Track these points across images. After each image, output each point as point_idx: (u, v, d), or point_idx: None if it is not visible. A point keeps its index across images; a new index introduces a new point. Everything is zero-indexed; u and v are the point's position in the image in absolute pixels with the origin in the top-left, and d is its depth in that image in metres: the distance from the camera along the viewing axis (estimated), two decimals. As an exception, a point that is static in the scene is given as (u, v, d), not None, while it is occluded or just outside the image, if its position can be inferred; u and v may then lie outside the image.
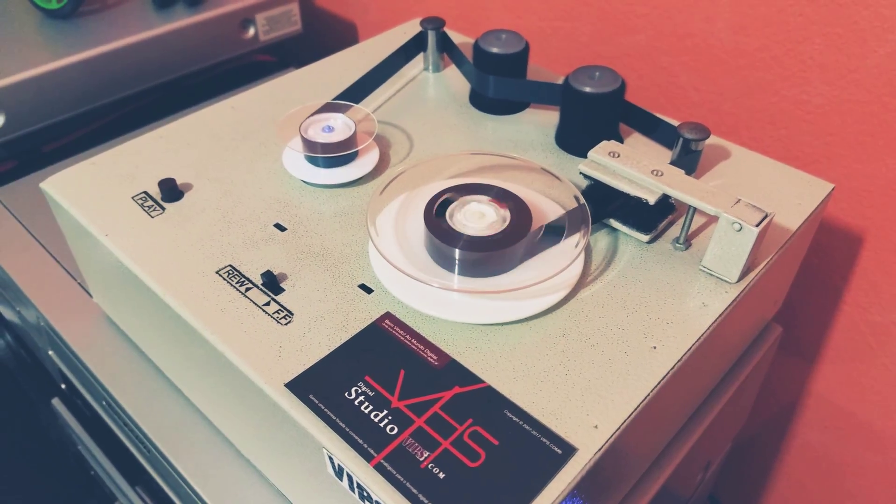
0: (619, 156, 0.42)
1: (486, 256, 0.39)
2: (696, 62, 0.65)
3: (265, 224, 0.44)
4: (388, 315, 0.38)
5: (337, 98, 0.52)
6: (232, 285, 0.40)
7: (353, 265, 0.42)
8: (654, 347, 0.37)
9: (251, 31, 0.85)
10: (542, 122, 0.54)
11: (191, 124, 0.54)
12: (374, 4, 0.92)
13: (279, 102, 0.56)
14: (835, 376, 0.71)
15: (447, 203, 0.41)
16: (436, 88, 0.58)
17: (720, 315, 0.39)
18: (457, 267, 0.39)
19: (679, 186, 0.40)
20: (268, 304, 0.39)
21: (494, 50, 0.53)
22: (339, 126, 0.48)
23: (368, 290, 0.40)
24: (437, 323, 0.38)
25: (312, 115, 0.49)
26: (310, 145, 0.47)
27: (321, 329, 0.38)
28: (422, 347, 0.36)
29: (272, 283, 0.40)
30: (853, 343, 0.67)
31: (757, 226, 0.38)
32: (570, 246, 0.41)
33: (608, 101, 0.48)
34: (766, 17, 0.58)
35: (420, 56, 0.60)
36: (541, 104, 0.56)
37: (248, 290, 0.40)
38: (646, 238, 0.43)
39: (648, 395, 0.35)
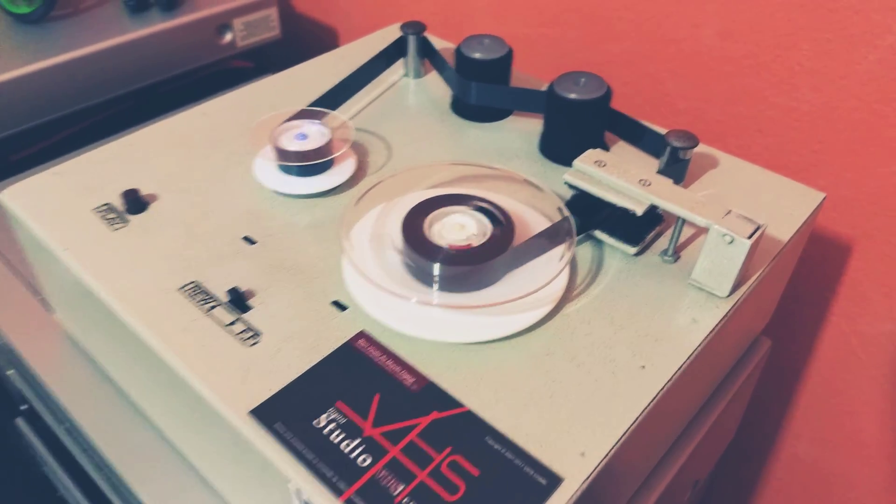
0: (605, 165, 0.41)
1: (467, 271, 0.37)
2: (682, 69, 0.63)
3: (233, 237, 0.42)
4: (362, 334, 0.36)
5: (312, 104, 0.50)
6: (195, 303, 0.38)
7: (327, 281, 0.39)
8: (643, 367, 0.35)
9: (228, 37, 0.82)
10: (525, 129, 0.53)
11: (159, 132, 0.51)
12: (356, 10, 0.90)
13: (253, 109, 0.54)
14: (823, 388, 0.70)
15: (426, 214, 0.39)
16: (416, 95, 0.56)
17: (711, 331, 0.37)
18: (436, 282, 0.37)
19: (667, 197, 0.39)
20: (233, 323, 0.37)
21: (476, 55, 0.51)
22: (313, 133, 0.46)
23: (342, 308, 0.38)
24: (414, 342, 0.36)
25: (285, 122, 0.47)
26: (282, 154, 0.44)
27: (290, 350, 0.35)
28: (398, 369, 0.34)
29: (238, 300, 0.38)
30: (842, 354, 0.66)
31: (749, 238, 0.36)
32: (555, 259, 0.39)
33: (593, 109, 0.46)
34: (754, 22, 0.57)
35: (400, 62, 0.59)
36: (524, 111, 0.54)
37: (212, 308, 0.38)
38: (633, 250, 0.41)
39: (637, 418, 0.33)
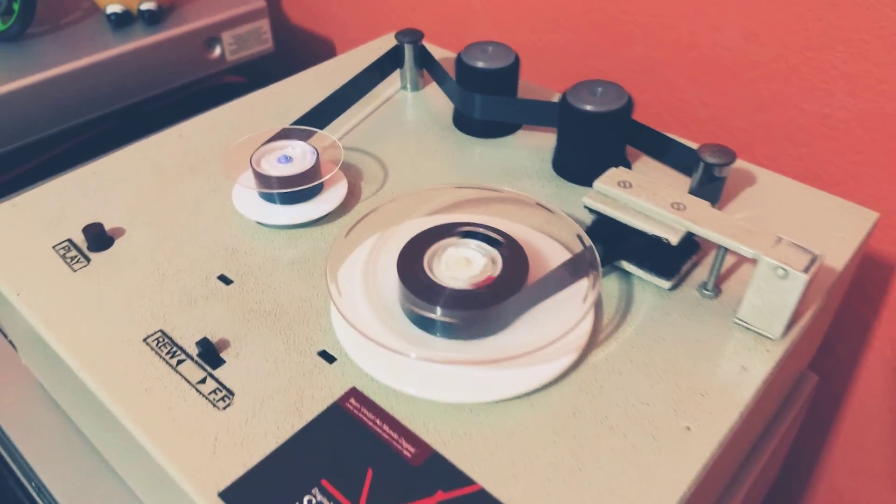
0: (630, 186, 0.35)
1: (475, 315, 0.31)
2: (703, 75, 0.58)
3: (207, 276, 0.37)
4: (353, 392, 0.31)
5: (297, 122, 0.45)
6: (161, 357, 0.33)
7: (313, 326, 0.34)
8: (688, 428, 0.29)
9: (217, 51, 0.78)
10: (536, 145, 0.47)
11: (130, 157, 0.46)
12: (352, 20, 0.86)
13: (234, 129, 0.49)
14: (865, 417, 0.64)
15: (426, 247, 0.34)
16: (414, 109, 0.51)
17: (764, 381, 0.32)
18: (438, 328, 0.32)
19: (707, 223, 0.33)
20: (203, 381, 0.32)
21: (480, 64, 0.46)
22: (298, 155, 0.41)
23: (330, 359, 0.33)
24: (415, 402, 0.30)
25: (266, 143, 0.41)
26: (263, 179, 0.39)
27: (268, 413, 0.30)
28: (395, 436, 0.29)
29: (209, 353, 0.32)
30: (885, 381, 0.61)
31: (805, 271, 0.31)
32: (577, 297, 0.33)
33: (613, 121, 0.41)
34: (782, 23, 0.52)
35: (396, 73, 0.54)
36: (535, 125, 0.49)
37: (180, 362, 0.32)
38: (667, 284, 0.35)
39: (686, 493, 0.27)
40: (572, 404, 0.30)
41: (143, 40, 0.71)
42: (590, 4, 0.62)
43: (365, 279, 0.35)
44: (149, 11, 0.73)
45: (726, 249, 0.33)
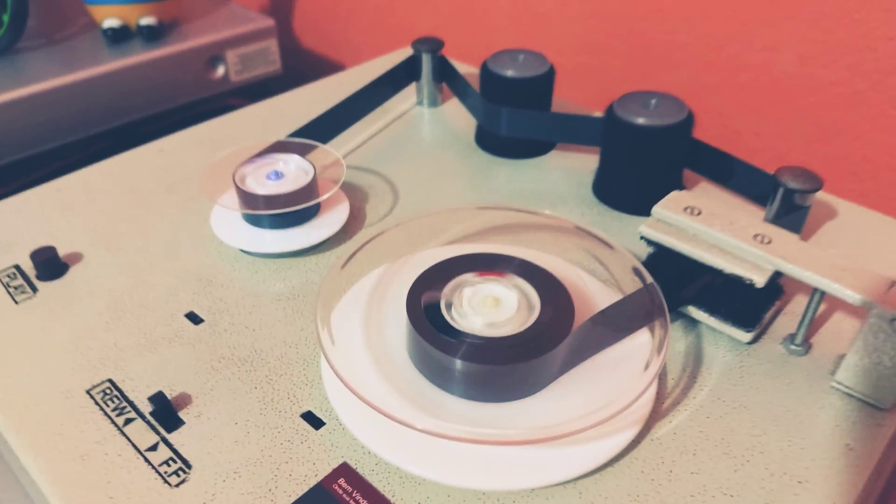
0: (700, 213, 0.29)
1: (506, 371, 0.24)
2: (754, 100, 0.53)
3: (173, 313, 0.30)
4: (343, 469, 0.24)
5: (294, 134, 0.38)
6: (106, 414, 0.26)
7: (297, 380, 0.27)
8: (789, 532, 0.22)
9: (221, 71, 0.73)
10: (573, 167, 0.41)
11: (101, 172, 0.40)
12: (365, 42, 0.81)
13: (223, 144, 0.43)
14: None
15: (444, 283, 0.27)
16: (431, 126, 0.45)
17: (877, 465, 0.24)
18: (457, 386, 0.25)
19: (801, 260, 0.26)
20: (154, 447, 0.24)
21: (509, 73, 0.40)
22: (291, 171, 0.34)
23: (317, 424, 0.25)
24: (424, 487, 0.23)
25: (255, 156, 0.35)
26: (248, 198, 0.33)
27: (232, 495, 0.23)
28: (398, 535, 0.22)
29: (165, 411, 0.25)
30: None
31: (933, 323, 0.24)
32: (635, 350, 0.26)
33: (670, 138, 0.34)
34: (846, 43, 0.47)
35: (412, 87, 0.48)
36: (572, 144, 0.42)
37: (127, 422, 0.25)
38: (747, 337, 0.28)
39: None
40: (633, 495, 0.23)
41: (140, 56, 0.67)
42: (626, 25, 0.57)
43: (365, 322, 0.28)
44: (148, 27, 0.69)
45: (823, 294, 0.26)
